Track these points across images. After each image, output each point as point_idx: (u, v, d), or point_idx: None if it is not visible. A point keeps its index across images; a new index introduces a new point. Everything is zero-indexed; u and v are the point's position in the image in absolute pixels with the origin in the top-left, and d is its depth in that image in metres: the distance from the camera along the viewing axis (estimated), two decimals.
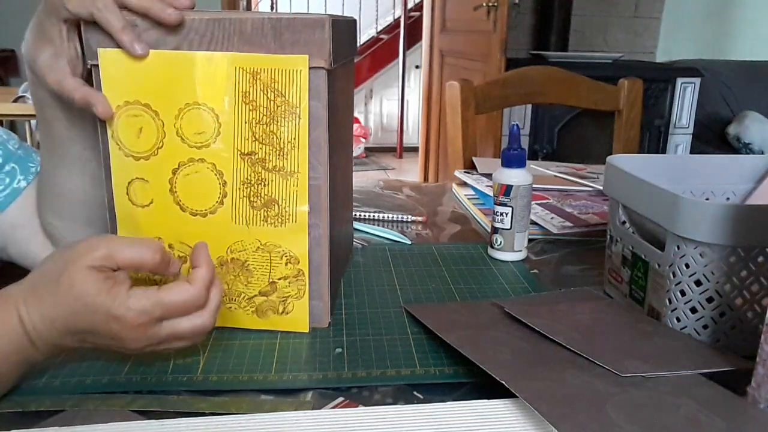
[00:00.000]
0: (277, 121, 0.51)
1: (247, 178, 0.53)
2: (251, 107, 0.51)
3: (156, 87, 0.51)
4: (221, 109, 0.51)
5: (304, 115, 0.51)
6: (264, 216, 0.54)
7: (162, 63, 0.50)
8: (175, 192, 0.53)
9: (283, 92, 0.51)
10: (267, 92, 0.51)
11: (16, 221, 0.63)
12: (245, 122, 0.51)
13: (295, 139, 0.52)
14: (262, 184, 0.53)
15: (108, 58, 0.50)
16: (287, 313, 0.56)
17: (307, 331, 0.57)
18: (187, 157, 0.52)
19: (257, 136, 0.52)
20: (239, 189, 0.53)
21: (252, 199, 0.53)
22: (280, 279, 0.55)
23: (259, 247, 0.54)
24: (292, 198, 0.53)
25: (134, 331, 0.45)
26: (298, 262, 0.55)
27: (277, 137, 0.52)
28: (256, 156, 0.52)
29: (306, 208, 0.53)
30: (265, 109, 0.51)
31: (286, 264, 0.55)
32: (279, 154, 0.52)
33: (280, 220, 0.54)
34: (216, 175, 0.53)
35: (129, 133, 0.52)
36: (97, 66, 0.51)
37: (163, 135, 0.52)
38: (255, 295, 0.56)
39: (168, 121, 0.52)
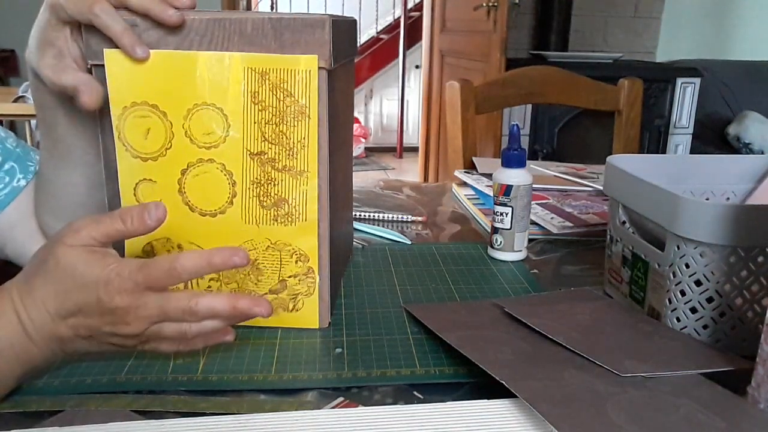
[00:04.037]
0: (287, 121, 0.51)
1: (256, 178, 0.53)
2: (260, 107, 0.51)
3: (163, 87, 0.51)
4: (230, 110, 0.51)
5: (313, 115, 0.51)
6: (274, 215, 0.54)
7: (169, 63, 0.50)
8: (184, 192, 0.53)
9: (292, 92, 0.51)
10: (276, 92, 0.51)
11: (14, 220, 0.63)
12: (254, 122, 0.52)
13: (304, 138, 0.52)
14: (272, 183, 0.53)
15: (113, 59, 0.50)
16: (297, 311, 0.56)
17: (317, 327, 0.57)
18: (196, 158, 0.52)
19: (267, 136, 0.52)
20: (249, 189, 0.53)
21: (262, 198, 0.53)
22: (290, 277, 0.56)
23: (269, 246, 0.54)
24: (302, 197, 0.53)
25: (120, 299, 0.43)
26: (308, 259, 0.55)
27: (286, 137, 0.52)
28: (266, 156, 0.52)
29: (316, 206, 0.53)
30: (274, 109, 0.51)
31: (296, 262, 0.55)
32: (289, 154, 0.52)
33: (290, 219, 0.54)
34: (225, 175, 0.53)
35: (136, 134, 0.52)
36: (97, 66, 0.51)
37: (171, 136, 0.52)
38: (265, 294, 0.56)
39: (176, 122, 0.52)
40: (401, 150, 4.99)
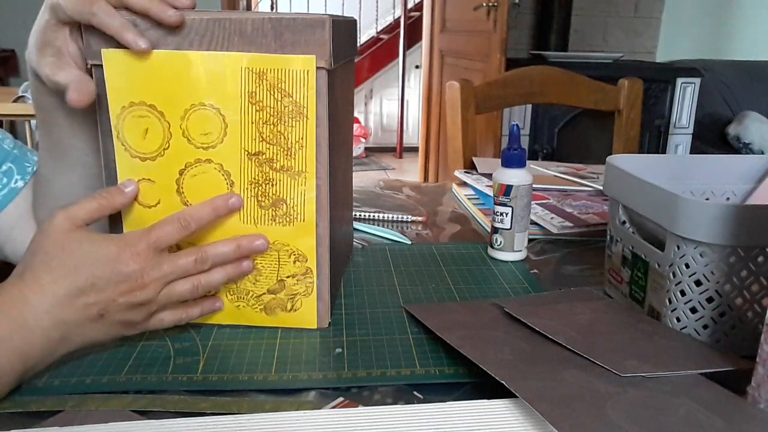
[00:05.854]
0: (285, 122, 0.51)
1: (254, 178, 0.53)
2: (258, 107, 0.51)
3: (161, 87, 0.51)
4: (228, 110, 0.51)
5: (311, 115, 0.51)
6: (272, 215, 0.54)
7: (167, 63, 0.50)
8: (182, 192, 0.53)
9: (290, 93, 0.51)
10: (274, 92, 0.51)
11: (13, 221, 0.63)
12: (252, 122, 0.52)
13: (302, 138, 0.52)
14: (270, 183, 0.53)
15: (112, 59, 0.50)
16: (295, 311, 0.56)
17: (315, 327, 0.57)
18: (193, 158, 0.52)
19: (264, 137, 0.52)
20: (247, 189, 0.53)
21: (260, 198, 0.53)
22: (288, 277, 0.56)
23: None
24: (300, 197, 0.53)
25: (135, 262, 0.48)
26: (306, 260, 0.55)
27: (284, 137, 0.52)
28: (264, 156, 0.52)
29: (314, 206, 0.53)
30: (272, 109, 0.51)
31: (295, 262, 0.55)
32: (287, 154, 0.52)
33: (288, 219, 0.54)
34: (223, 175, 0.53)
35: (135, 134, 0.52)
36: (97, 66, 0.51)
37: (169, 136, 0.52)
38: (263, 294, 0.56)
39: (174, 122, 0.52)
40: (401, 150, 4.99)
